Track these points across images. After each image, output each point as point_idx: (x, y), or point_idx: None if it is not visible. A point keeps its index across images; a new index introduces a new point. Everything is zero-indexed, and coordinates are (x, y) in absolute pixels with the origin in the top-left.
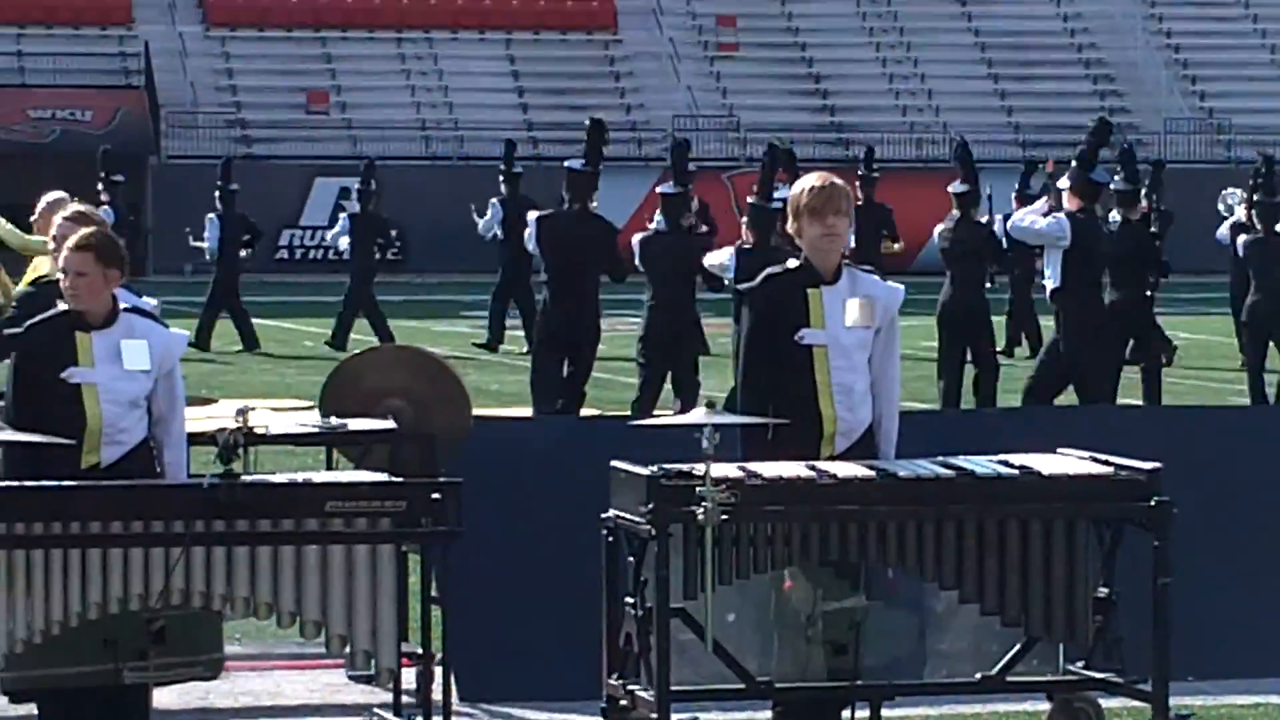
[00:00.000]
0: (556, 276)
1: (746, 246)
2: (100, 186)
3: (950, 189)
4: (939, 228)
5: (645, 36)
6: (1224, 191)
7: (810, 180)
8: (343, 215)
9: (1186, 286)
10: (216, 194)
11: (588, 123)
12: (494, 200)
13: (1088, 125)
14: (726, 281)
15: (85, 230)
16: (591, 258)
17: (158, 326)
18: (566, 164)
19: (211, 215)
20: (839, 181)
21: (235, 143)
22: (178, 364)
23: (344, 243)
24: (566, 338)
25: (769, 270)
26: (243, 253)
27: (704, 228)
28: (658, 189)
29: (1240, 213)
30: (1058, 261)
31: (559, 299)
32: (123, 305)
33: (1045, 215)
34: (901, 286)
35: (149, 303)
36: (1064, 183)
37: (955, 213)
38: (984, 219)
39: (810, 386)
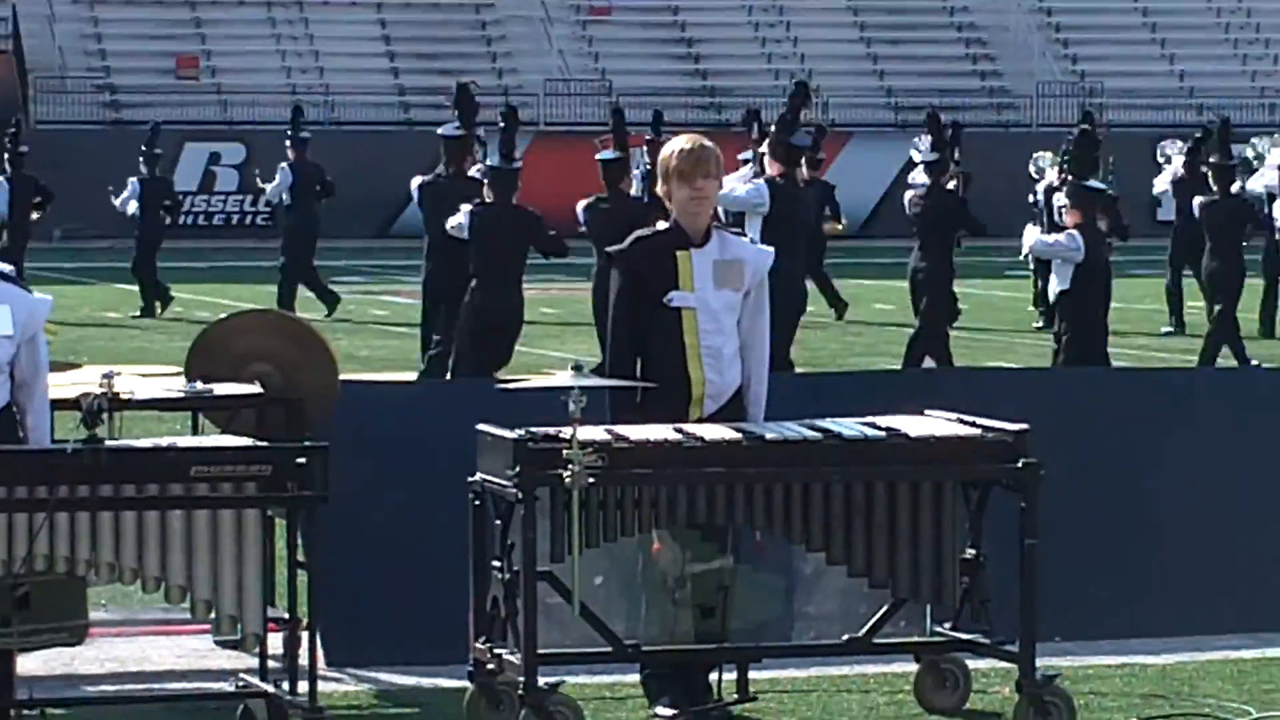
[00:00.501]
0: (482, 265)
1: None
2: (5, 155)
3: (918, 157)
4: (908, 194)
5: (517, 1)
6: (1034, 155)
7: (679, 143)
8: (132, 180)
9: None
10: (7, 157)
11: (455, 87)
12: (282, 165)
13: (959, 89)
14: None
15: None
16: (520, 246)
17: (20, 291)
18: (440, 130)
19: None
20: (709, 144)
21: (104, 108)
22: (41, 329)
23: (132, 207)
24: (490, 325)
25: (638, 232)
26: (34, 215)
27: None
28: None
29: (1176, 166)
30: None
31: (484, 287)
32: None
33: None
34: (771, 249)
35: (9, 267)
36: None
37: (924, 179)
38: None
39: (679, 349)
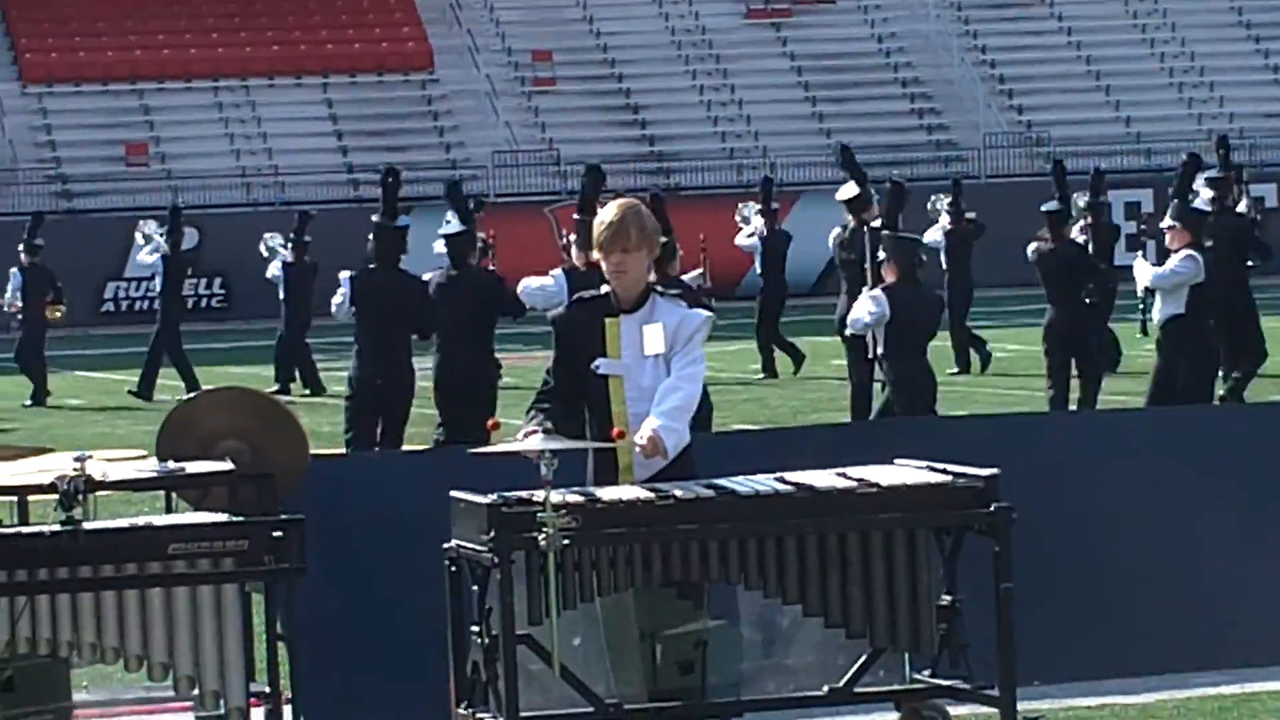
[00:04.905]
0: (368, 334)
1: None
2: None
3: (841, 196)
4: (834, 233)
5: (462, 75)
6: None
7: (605, 213)
8: (14, 271)
9: (1008, 299)
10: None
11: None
12: (14, 270)
13: (906, 144)
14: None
15: None
16: (403, 315)
17: None
18: (374, 218)
19: (14, 269)
20: (634, 213)
21: (56, 197)
22: None
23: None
24: (380, 394)
25: (577, 295)
26: (55, 312)
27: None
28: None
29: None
30: None
31: (370, 357)
32: None
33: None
34: (704, 312)
35: None
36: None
37: (850, 220)
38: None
39: (607, 416)
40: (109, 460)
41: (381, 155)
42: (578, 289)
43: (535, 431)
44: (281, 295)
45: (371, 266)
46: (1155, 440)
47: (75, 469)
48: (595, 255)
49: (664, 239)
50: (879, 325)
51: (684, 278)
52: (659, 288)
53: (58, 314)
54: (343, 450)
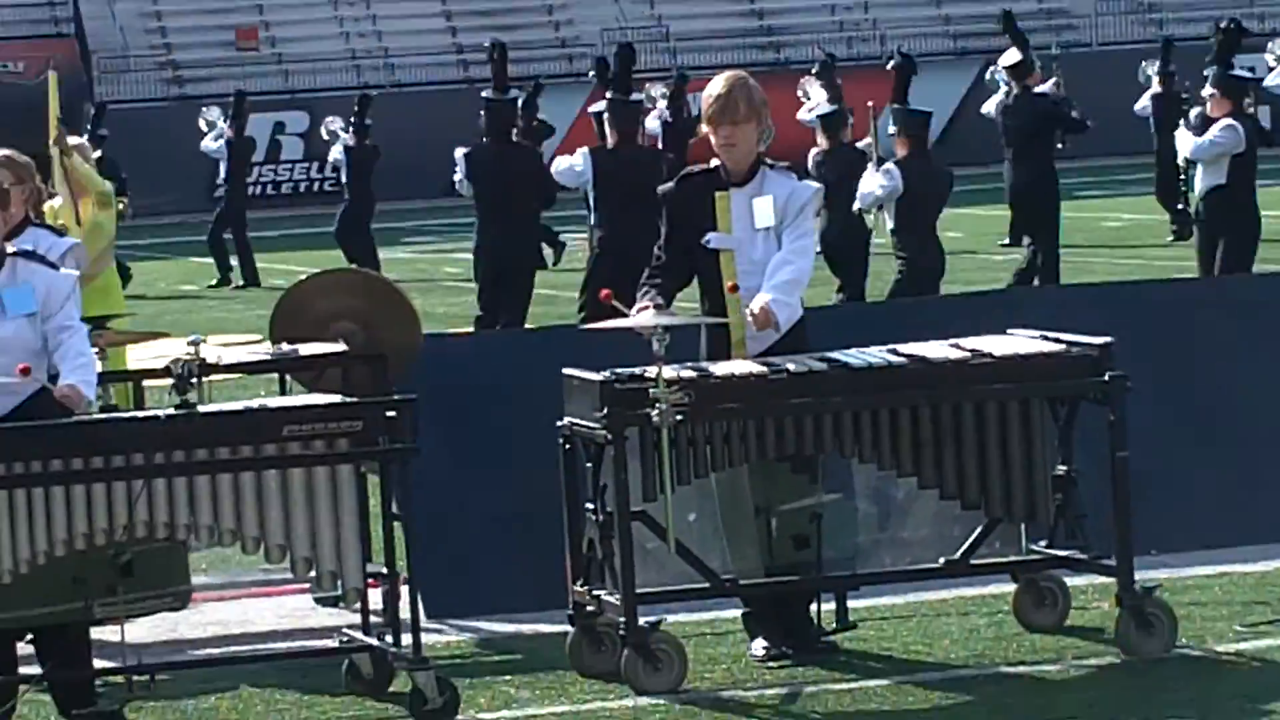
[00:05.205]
0: (487, 209)
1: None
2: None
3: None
4: (995, 99)
5: None
6: (1143, 63)
7: (712, 87)
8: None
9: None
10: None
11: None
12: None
13: (1019, 14)
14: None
15: None
16: (521, 186)
17: (42, 268)
18: (483, 94)
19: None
20: (742, 85)
21: (167, 83)
22: (70, 300)
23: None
24: (503, 268)
25: (685, 171)
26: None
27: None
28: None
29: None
30: None
31: (491, 231)
32: (10, 248)
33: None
34: (813, 184)
35: (69, 241)
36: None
37: (1013, 85)
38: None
39: (718, 291)
40: (223, 344)
41: (491, 35)
42: (603, 168)
43: (647, 307)
44: (344, 179)
45: (485, 141)
46: (1273, 305)
47: (189, 353)
48: (703, 129)
49: (833, 106)
50: (890, 200)
51: (858, 145)
52: (768, 161)
53: (121, 206)
54: (455, 330)
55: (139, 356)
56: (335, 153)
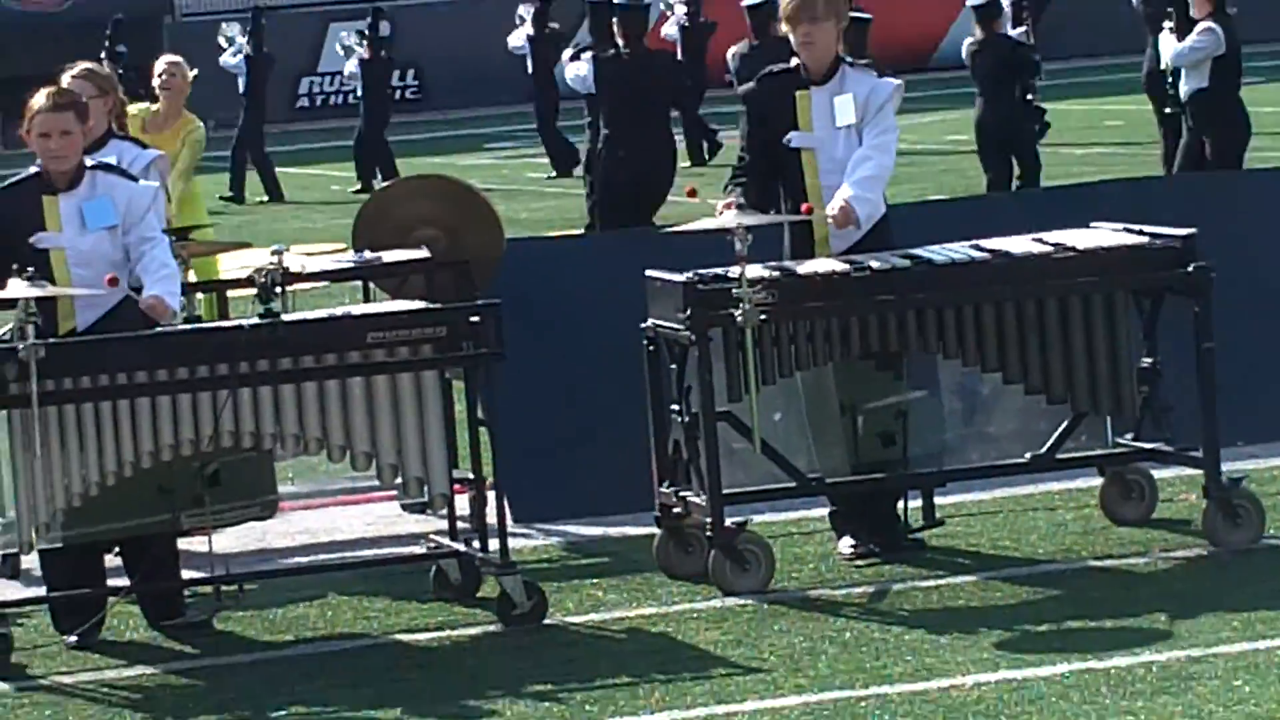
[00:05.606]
0: (616, 118)
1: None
2: (103, 57)
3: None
4: (968, 42)
5: None
6: None
7: None
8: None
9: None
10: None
11: None
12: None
13: None
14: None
15: (63, 89)
16: (655, 91)
17: (122, 181)
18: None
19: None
20: None
21: None
22: (153, 212)
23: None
24: (635, 180)
25: (766, 70)
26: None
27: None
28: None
29: None
30: None
31: (620, 139)
32: (89, 162)
33: None
34: (894, 80)
35: (153, 153)
36: None
37: (980, 31)
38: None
39: (800, 190)
40: (306, 254)
41: None
42: (605, 75)
43: (730, 206)
44: (360, 93)
45: (618, 51)
46: None
47: (272, 262)
48: (785, 29)
49: None
50: (1207, 59)
51: (1011, 33)
52: (848, 58)
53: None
54: (538, 235)
55: (223, 265)
56: (350, 66)
